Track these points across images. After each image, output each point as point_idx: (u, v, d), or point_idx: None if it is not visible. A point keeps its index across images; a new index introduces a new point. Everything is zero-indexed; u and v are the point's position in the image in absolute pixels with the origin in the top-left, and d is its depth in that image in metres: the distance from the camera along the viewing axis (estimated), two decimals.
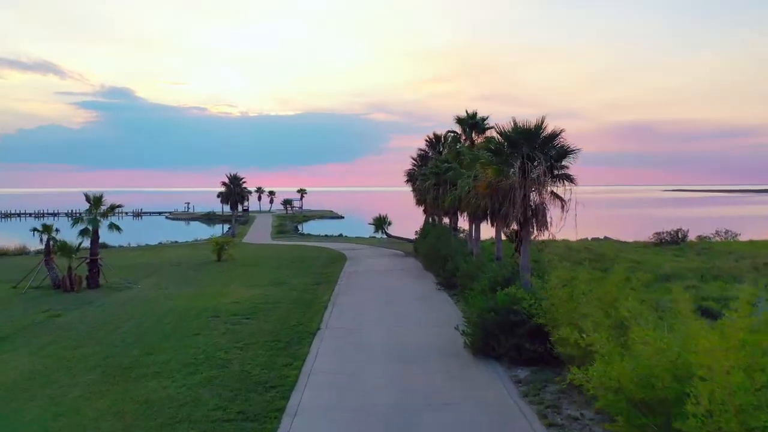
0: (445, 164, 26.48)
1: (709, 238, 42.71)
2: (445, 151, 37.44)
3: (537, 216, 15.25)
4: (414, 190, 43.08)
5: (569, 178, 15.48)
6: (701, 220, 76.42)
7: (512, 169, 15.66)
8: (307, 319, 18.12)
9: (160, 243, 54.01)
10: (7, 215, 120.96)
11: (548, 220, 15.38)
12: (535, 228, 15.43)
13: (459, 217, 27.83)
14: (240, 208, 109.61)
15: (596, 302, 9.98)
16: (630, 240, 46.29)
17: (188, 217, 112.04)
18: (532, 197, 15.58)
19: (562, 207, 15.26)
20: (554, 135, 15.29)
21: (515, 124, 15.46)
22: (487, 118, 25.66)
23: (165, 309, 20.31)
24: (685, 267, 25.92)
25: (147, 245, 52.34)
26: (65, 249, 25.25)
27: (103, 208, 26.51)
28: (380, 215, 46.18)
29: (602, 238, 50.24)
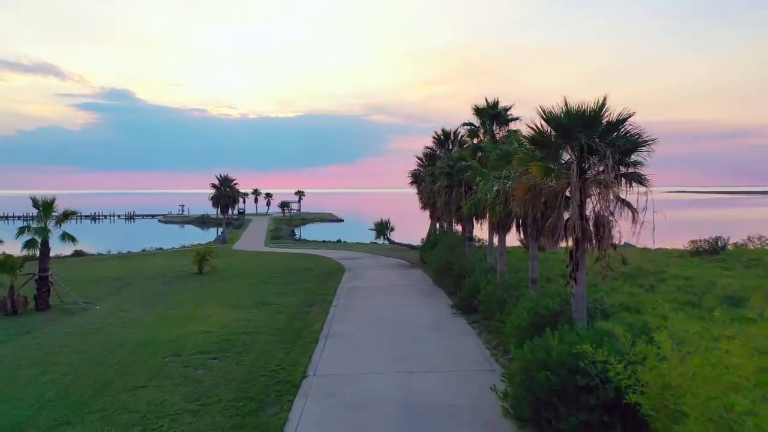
0: (462, 162, 22.45)
1: (745, 245, 38.69)
2: (456, 149, 33.51)
3: (600, 229, 11.21)
4: (420, 192, 39.19)
5: (640, 179, 11.45)
6: (717, 223, 72.46)
7: (560, 166, 11.71)
8: (292, 360, 14.13)
9: (143, 250, 49.91)
10: None
11: (614, 235, 11.36)
12: (596, 245, 11.40)
13: (475, 224, 23.80)
14: (235, 210, 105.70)
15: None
16: (653, 247, 42.27)
17: (182, 220, 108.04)
18: (590, 204, 11.58)
19: (633, 218, 11.22)
20: (622, 120, 11.28)
21: (567, 105, 11.43)
22: (510, 107, 21.62)
23: (116, 342, 16.28)
24: (743, 285, 21.85)
25: (129, 253, 48.27)
26: (6, 265, 21.14)
27: (55, 214, 22.34)
28: (382, 220, 42.21)
29: (622, 244, 46.16)
